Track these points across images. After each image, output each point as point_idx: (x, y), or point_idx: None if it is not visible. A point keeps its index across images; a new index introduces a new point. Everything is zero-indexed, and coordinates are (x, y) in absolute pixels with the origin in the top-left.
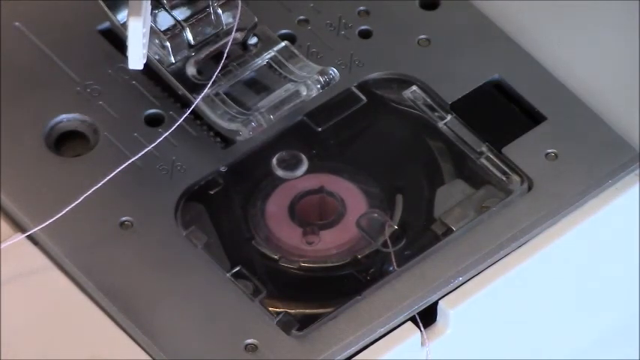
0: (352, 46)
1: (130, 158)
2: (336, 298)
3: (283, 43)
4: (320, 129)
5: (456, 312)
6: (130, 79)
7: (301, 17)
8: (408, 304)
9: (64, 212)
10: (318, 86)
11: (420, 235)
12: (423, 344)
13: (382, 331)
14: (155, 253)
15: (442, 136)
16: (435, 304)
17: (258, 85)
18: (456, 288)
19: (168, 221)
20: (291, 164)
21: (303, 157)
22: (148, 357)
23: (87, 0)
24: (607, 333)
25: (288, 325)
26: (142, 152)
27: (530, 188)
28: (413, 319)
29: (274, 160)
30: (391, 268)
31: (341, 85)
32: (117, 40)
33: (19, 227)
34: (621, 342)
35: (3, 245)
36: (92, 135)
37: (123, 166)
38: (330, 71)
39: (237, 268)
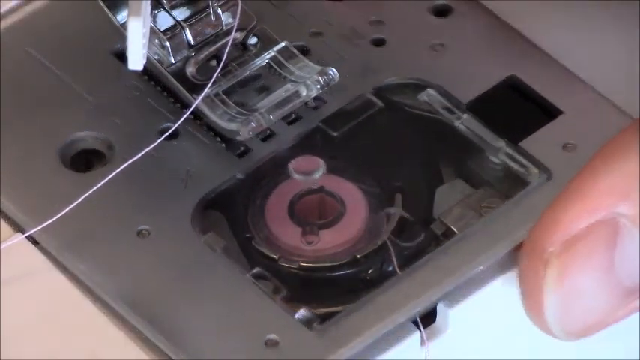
0: (366, 54)
1: (143, 171)
2: (336, 298)
3: (283, 44)
4: (336, 134)
5: (456, 312)
6: (145, 96)
7: (313, 30)
8: (434, 291)
9: (64, 212)
10: (318, 86)
11: (419, 234)
12: (422, 344)
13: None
14: (174, 258)
15: (455, 135)
16: (435, 303)
17: (257, 86)
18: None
19: (186, 228)
20: (308, 169)
21: (321, 161)
22: (148, 357)
23: (99, 23)
24: (607, 333)
25: (309, 320)
26: (141, 154)
27: (548, 179)
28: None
29: (291, 165)
30: (391, 268)
31: (355, 91)
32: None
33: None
34: (621, 342)
35: (3, 245)
36: (107, 151)
37: (122, 168)
38: (330, 71)
39: (257, 269)
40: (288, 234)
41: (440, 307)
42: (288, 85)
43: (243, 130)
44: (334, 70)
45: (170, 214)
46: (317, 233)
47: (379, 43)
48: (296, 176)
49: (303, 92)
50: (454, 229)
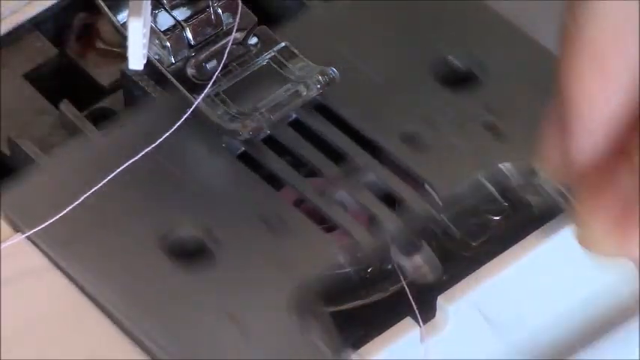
0: (477, 139)
1: (243, 256)
2: (336, 298)
3: (283, 43)
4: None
5: (455, 308)
6: (243, 181)
7: (427, 114)
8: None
9: (64, 212)
10: (318, 86)
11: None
12: (422, 340)
13: None
14: (265, 346)
15: None
16: (434, 299)
17: (258, 85)
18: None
19: (282, 317)
20: (410, 251)
21: (424, 243)
22: (148, 357)
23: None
24: (607, 333)
25: None
26: (142, 153)
27: None
28: (412, 315)
29: (393, 248)
30: (390, 267)
31: (466, 176)
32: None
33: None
34: (621, 342)
35: (3, 245)
36: (207, 238)
37: (127, 164)
38: (330, 71)
39: None
40: None
41: (439, 303)
42: (289, 85)
43: (244, 130)
44: (334, 70)
45: (265, 301)
46: None
47: (492, 128)
48: (401, 261)
49: (304, 92)
50: (454, 227)
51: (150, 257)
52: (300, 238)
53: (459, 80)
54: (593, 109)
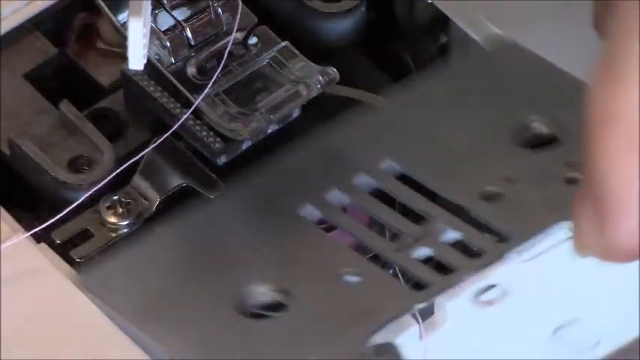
0: (558, 194)
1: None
2: None
3: (283, 43)
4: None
5: (454, 305)
6: (324, 240)
7: (507, 174)
8: None
9: (64, 213)
10: (319, 86)
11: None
12: (421, 338)
13: None
14: None
15: None
16: None
17: (258, 85)
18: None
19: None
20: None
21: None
22: (148, 357)
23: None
24: (607, 333)
25: None
26: (142, 153)
27: None
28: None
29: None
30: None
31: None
32: None
33: None
34: (621, 341)
35: (3, 245)
36: (286, 299)
37: (115, 173)
38: (331, 71)
39: None
40: None
41: (438, 300)
42: (289, 85)
43: (244, 130)
44: (334, 69)
45: (340, 349)
46: None
47: (573, 181)
48: None
49: (304, 92)
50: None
51: (225, 316)
52: (375, 290)
53: (541, 144)
54: (632, 190)
